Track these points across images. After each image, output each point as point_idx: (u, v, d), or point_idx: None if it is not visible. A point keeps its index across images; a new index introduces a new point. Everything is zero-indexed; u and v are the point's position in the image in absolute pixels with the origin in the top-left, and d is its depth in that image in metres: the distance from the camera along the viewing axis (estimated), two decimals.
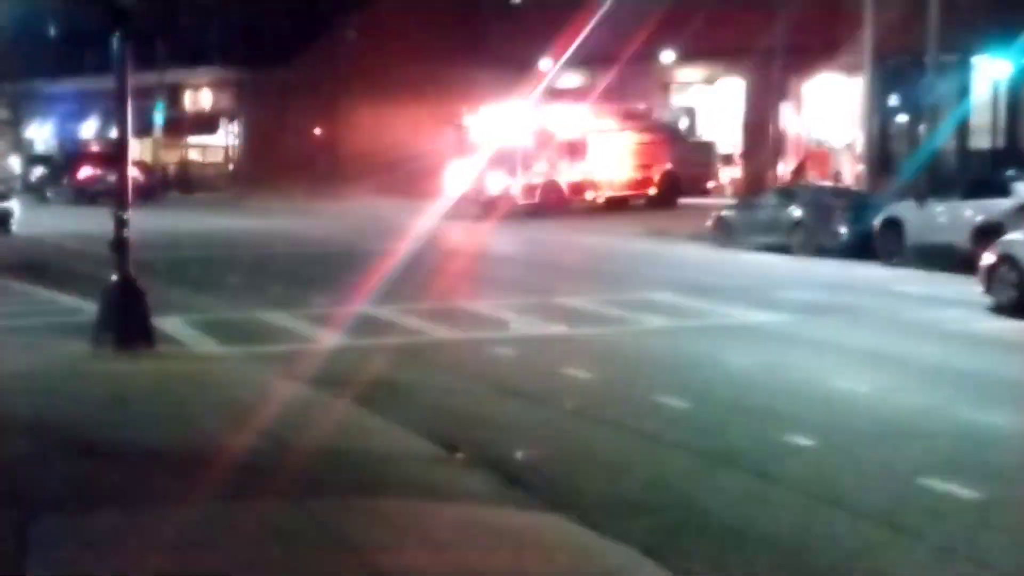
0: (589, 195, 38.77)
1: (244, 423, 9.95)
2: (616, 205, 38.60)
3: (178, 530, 7.03)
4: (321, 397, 11.44)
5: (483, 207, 35.28)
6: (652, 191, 39.89)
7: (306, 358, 13.34)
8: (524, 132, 37.47)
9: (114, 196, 13.53)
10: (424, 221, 29.37)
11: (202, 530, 7.11)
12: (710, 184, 42.83)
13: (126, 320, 12.71)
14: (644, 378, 12.69)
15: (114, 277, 12.96)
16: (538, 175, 37.40)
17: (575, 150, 38.59)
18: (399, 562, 6.81)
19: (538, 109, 38.98)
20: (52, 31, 64.13)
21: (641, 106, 42.30)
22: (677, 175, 40.46)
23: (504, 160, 36.64)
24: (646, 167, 39.80)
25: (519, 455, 9.70)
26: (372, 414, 10.81)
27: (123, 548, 6.82)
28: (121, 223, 12.97)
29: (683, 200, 39.50)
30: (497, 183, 36.55)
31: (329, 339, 14.78)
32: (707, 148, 43.98)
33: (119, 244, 12.97)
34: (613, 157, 39.04)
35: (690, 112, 46.51)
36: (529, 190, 37.04)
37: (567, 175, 38.21)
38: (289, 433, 9.74)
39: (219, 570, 6.57)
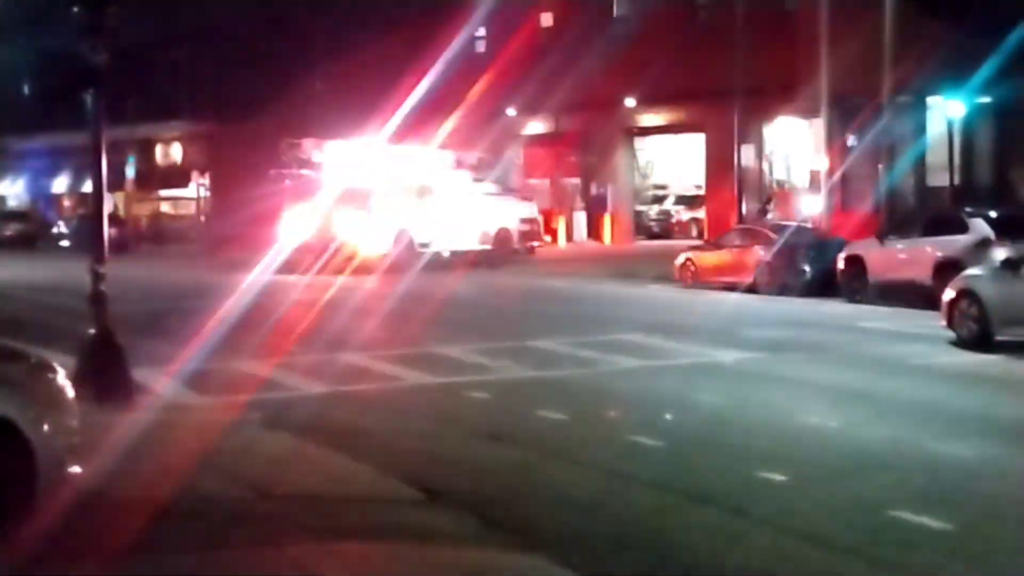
0: (434, 247, 35.90)
1: (222, 471, 10.10)
2: (460, 260, 36.20)
3: None
4: (299, 443, 11.58)
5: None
6: (487, 246, 37.91)
7: (284, 407, 13.48)
8: (371, 173, 35.01)
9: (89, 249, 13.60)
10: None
11: None
12: (536, 243, 40.97)
13: (105, 374, 12.79)
14: (618, 418, 12.89)
15: (91, 331, 13.05)
16: (387, 222, 34.56)
17: (423, 196, 36.23)
18: None
19: (384, 149, 36.60)
20: (25, 88, 64.46)
21: (476, 155, 40.26)
22: (509, 232, 38.97)
23: (351, 202, 33.91)
24: (482, 221, 37.80)
25: (495, 497, 9.85)
26: (351, 459, 10.95)
27: None
28: (97, 276, 13.09)
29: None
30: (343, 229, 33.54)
31: (308, 386, 14.90)
32: (532, 206, 41.79)
33: (96, 297, 13.08)
34: (456, 208, 36.78)
35: (514, 163, 44.46)
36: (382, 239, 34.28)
37: (417, 224, 35.47)
38: (267, 479, 9.88)
39: None
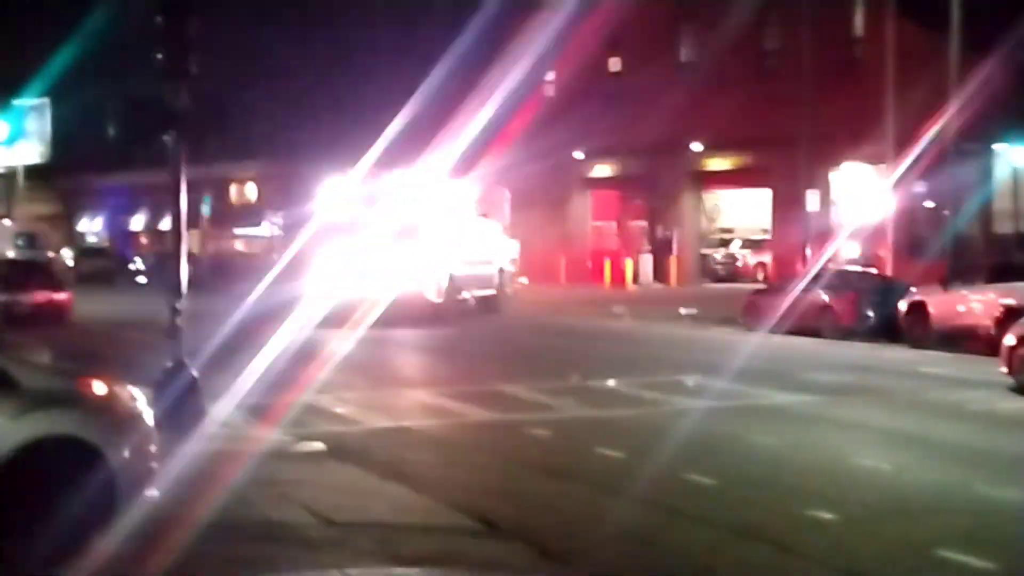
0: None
1: (289, 499, 10.58)
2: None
3: None
4: (362, 475, 12.01)
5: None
6: (492, 290, 33.77)
7: (350, 440, 13.93)
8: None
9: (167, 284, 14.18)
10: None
11: None
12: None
13: (179, 404, 13.30)
14: (676, 457, 13.17)
15: (168, 363, 13.60)
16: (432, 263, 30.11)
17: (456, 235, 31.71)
18: None
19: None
20: (109, 130, 66.36)
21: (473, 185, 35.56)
22: (505, 273, 34.93)
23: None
24: (492, 261, 33.81)
25: (551, 529, 10.18)
26: (411, 491, 11.36)
27: None
28: (175, 311, 13.66)
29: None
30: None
31: (373, 421, 15.36)
32: (516, 243, 36.95)
33: (173, 331, 13.64)
34: (475, 247, 32.70)
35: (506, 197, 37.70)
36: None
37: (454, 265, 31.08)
38: (331, 508, 10.32)
39: None
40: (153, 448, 9.05)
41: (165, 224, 68.15)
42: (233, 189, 61.73)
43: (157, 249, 64.89)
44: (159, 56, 13.73)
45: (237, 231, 60.47)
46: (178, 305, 13.76)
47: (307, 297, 25.99)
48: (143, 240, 67.50)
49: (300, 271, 28.89)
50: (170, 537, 8.66)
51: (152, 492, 8.99)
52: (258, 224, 57.44)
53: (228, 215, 59.72)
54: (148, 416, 9.14)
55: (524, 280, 41.33)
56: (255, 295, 24.33)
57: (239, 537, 9.14)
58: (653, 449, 13.70)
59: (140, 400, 9.18)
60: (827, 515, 10.34)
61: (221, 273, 53.66)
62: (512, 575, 8.84)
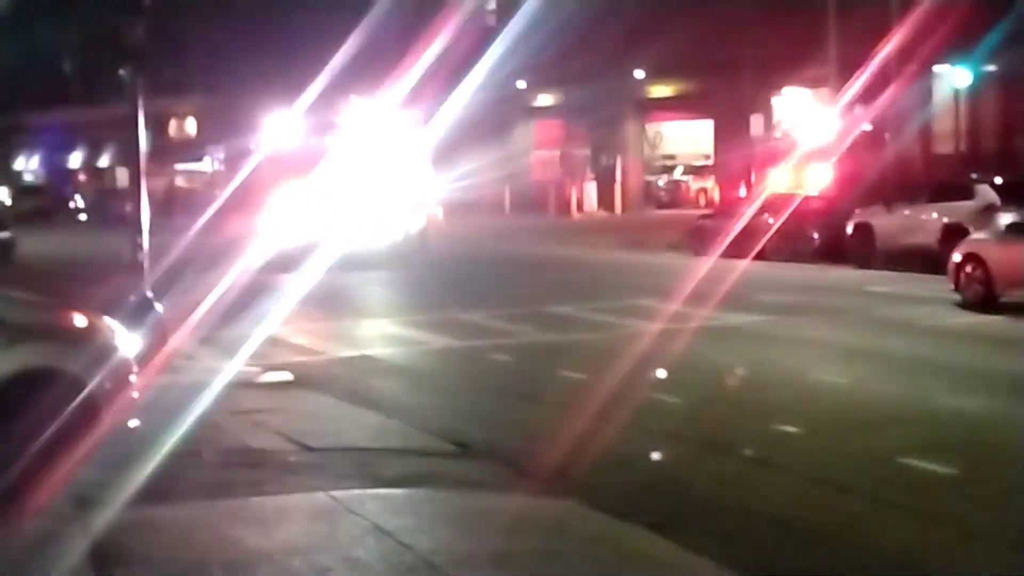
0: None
1: (264, 427, 10.72)
2: None
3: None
4: (333, 403, 12.16)
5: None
6: None
7: (314, 369, 14.06)
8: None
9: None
10: None
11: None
12: None
13: (144, 338, 13.32)
14: (638, 378, 13.42)
15: (132, 298, 13.61)
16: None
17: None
18: (431, 544, 7.47)
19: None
20: (65, 66, 65.01)
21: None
22: None
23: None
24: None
25: (523, 448, 10.39)
26: (384, 417, 11.53)
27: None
28: (137, 247, 13.65)
29: None
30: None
31: (337, 351, 15.49)
32: None
33: (136, 266, 13.63)
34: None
35: None
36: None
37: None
38: (307, 435, 10.46)
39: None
40: (133, 379, 9.12)
41: (103, 161, 67.73)
42: (173, 124, 60.95)
43: (96, 186, 64.24)
44: None
45: (178, 166, 59.84)
46: (140, 240, 13.75)
47: (258, 236, 24.48)
48: (81, 177, 66.64)
49: (249, 207, 27.50)
50: (152, 464, 8.77)
51: (133, 421, 9.07)
52: (199, 159, 56.92)
53: (168, 150, 59.00)
54: (127, 348, 9.19)
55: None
56: (199, 230, 24.02)
57: (220, 464, 9.27)
58: (615, 371, 13.91)
59: (119, 332, 9.22)
60: (792, 428, 10.65)
61: (163, 210, 53.14)
62: (492, 493, 9.04)
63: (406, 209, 29.49)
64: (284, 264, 23.22)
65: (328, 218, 26.63)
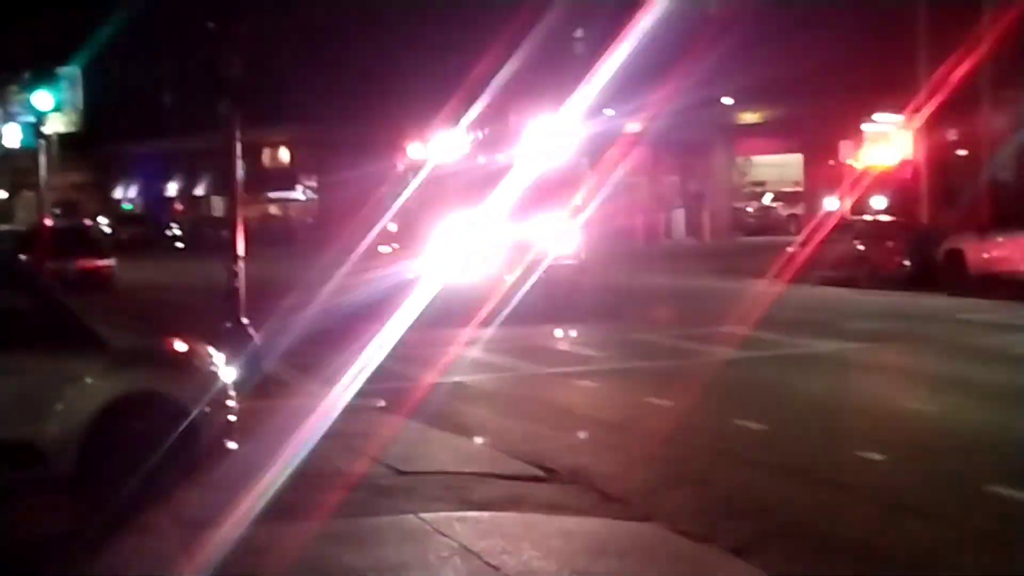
0: None
1: (358, 451, 11.02)
2: None
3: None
4: (423, 427, 12.43)
5: None
6: None
7: (406, 394, 14.35)
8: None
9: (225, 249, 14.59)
10: None
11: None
12: None
13: (240, 364, 13.73)
14: (723, 404, 13.53)
15: (227, 324, 14.04)
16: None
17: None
18: (517, 565, 7.69)
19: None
20: (165, 98, 66.60)
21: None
22: None
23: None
24: None
25: (609, 473, 10.56)
26: (477, 441, 11.80)
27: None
28: (233, 274, 14.09)
29: None
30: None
31: (427, 377, 15.79)
32: None
33: (231, 294, 14.07)
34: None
35: None
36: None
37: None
38: (400, 459, 10.74)
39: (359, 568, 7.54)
40: (231, 402, 9.49)
41: (199, 190, 69.19)
42: (266, 154, 62.16)
43: (192, 214, 65.68)
44: (211, 24, 14.10)
45: (271, 195, 60.95)
46: (235, 268, 14.18)
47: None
48: (178, 206, 68.25)
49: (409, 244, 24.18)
50: (251, 486, 9.10)
51: (231, 444, 9.44)
52: (292, 188, 57.92)
53: (262, 179, 60.19)
54: (225, 372, 9.57)
55: None
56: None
57: (316, 486, 9.57)
58: (701, 397, 14.07)
59: (217, 357, 9.61)
60: (876, 455, 10.67)
61: (257, 238, 54.12)
62: (576, 516, 9.23)
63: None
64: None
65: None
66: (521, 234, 23.32)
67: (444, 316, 19.79)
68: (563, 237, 23.93)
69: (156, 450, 8.78)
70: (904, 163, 37.63)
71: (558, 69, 41.92)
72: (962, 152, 35.69)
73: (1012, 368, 15.35)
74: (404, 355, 17.43)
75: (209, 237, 49.15)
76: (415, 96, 35.21)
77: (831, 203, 34.29)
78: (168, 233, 61.26)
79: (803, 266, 28.98)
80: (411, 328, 19.53)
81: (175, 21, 36.89)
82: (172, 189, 68.99)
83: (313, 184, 55.16)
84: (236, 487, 8.97)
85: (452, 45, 40.62)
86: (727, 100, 45.99)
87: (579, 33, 49.59)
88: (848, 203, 37.25)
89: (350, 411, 13.24)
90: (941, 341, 18.06)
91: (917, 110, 33.81)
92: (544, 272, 22.69)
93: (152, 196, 70.12)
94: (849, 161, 38.17)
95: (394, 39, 51.69)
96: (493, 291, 21.53)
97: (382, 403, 13.67)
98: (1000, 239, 24.73)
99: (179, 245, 57.69)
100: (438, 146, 27.69)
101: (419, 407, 13.44)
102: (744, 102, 45.64)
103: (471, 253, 23.03)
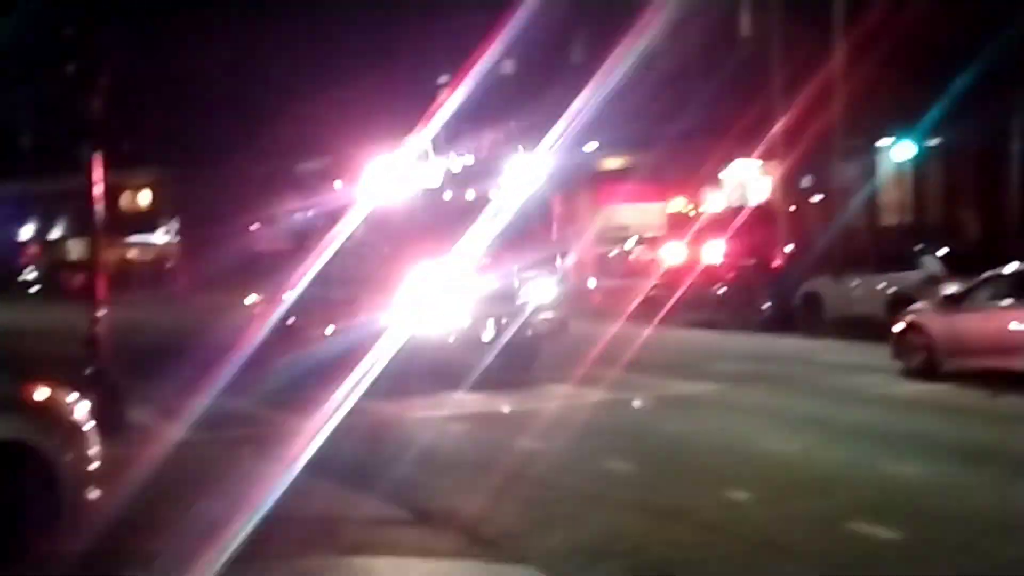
0: None
1: (225, 496, 10.80)
2: None
3: None
4: (293, 473, 12.25)
5: None
6: None
7: (273, 439, 14.13)
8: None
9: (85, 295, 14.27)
10: None
11: None
12: None
13: (101, 410, 13.40)
14: (594, 446, 13.64)
15: (89, 370, 13.70)
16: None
17: None
18: None
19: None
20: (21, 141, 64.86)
21: None
22: None
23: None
24: None
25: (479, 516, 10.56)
26: (345, 487, 11.66)
27: None
28: (93, 321, 13.78)
29: None
30: None
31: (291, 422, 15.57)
32: None
33: (93, 340, 13.74)
34: None
35: None
36: None
37: None
38: (271, 505, 10.57)
39: None
40: (93, 451, 9.24)
41: (55, 233, 67.48)
42: (125, 196, 61.00)
43: (48, 258, 63.98)
44: (70, 67, 13.84)
45: (131, 239, 59.76)
46: (96, 314, 13.87)
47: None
48: (32, 250, 66.44)
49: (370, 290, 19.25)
50: (113, 535, 8.87)
51: (94, 493, 9.18)
52: (152, 231, 56.87)
53: (121, 223, 59.02)
54: (88, 420, 9.32)
55: None
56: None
57: (179, 533, 9.36)
58: (570, 439, 14.17)
59: (80, 405, 9.36)
60: (743, 494, 10.89)
61: (117, 282, 52.98)
62: (449, 559, 9.20)
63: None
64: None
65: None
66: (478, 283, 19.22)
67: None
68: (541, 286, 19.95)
69: (17, 501, 8.49)
70: (761, 208, 38.71)
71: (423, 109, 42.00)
72: (817, 198, 36.79)
73: (867, 408, 15.83)
74: (276, 400, 17.22)
75: (65, 281, 47.93)
76: (303, 132, 34.82)
77: (687, 248, 35.01)
78: (21, 278, 59.54)
79: (667, 309, 29.48)
80: (286, 376, 19.38)
81: (32, 61, 35.99)
82: (27, 232, 67.17)
83: (175, 227, 54.30)
84: (98, 537, 8.74)
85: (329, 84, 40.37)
86: (591, 146, 46.64)
87: (442, 79, 49.81)
88: (709, 247, 38.12)
89: (216, 455, 13.03)
90: (800, 382, 18.53)
91: (774, 157, 34.84)
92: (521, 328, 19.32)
93: (4, 240, 68.17)
94: (707, 206, 39.09)
95: (273, 73, 51.03)
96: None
97: (247, 448, 13.46)
98: (854, 282, 25.53)
99: (33, 290, 56.05)
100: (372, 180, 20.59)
101: (289, 450, 13.25)
102: (608, 149, 46.36)
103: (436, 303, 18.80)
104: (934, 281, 23.30)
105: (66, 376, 14.36)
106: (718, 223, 39.03)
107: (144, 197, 60.83)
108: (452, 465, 12.88)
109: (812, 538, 9.60)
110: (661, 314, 29.03)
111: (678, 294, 29.80)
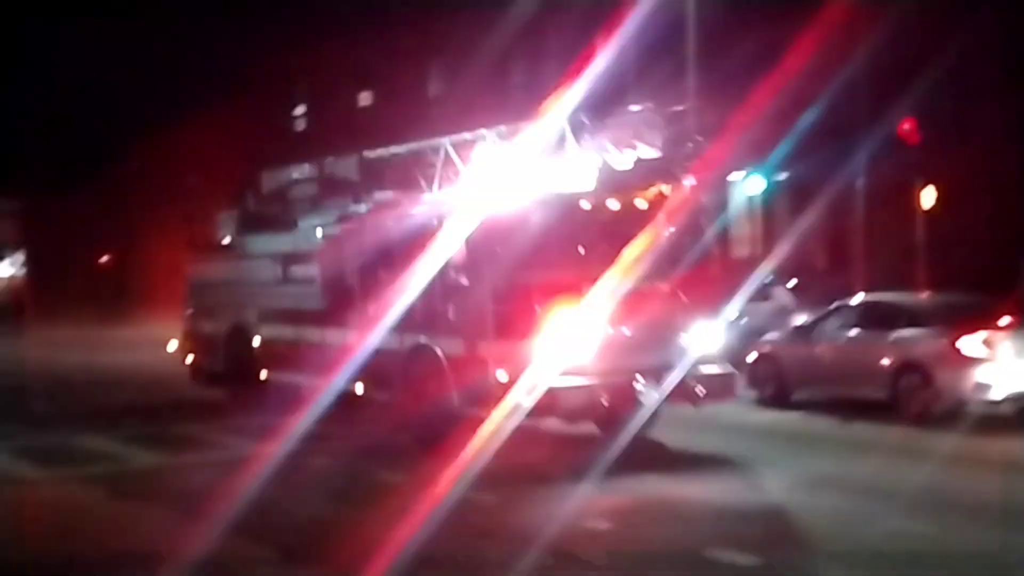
0: None
1: (84, 537, 10.51)
2: None
3: None
4: (139, 508, 11.99)
5: None
6: None
7: (126, 477, 13.80)
8: None
9: None
10: None
11: None
12: None
13: None
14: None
15: None
16: None
17: None
18: None
19: None
20: None
21: None
22: None
23: None
24: None
25: None
26: (196, 523, 11.39)
27: None
28: None
29: None
30: None
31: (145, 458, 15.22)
32: None
33: None
34: None
35: None
36: None
37: None
38: (118, 541, 10.32)
39: None
40: None
41: None
42: None
43: None
44: None
45: None
46: None
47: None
48: None
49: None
50: None
51: None
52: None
53: None
54: None
55: None
56: None
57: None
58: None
59: None
60: (604, 525, 10.97)
61: None
62: None
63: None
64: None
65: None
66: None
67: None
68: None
69: None
70: None
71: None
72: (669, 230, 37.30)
73: (720, 437, 15.95)
74: (153, 437, 16.64)
75: None
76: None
77: None
78: None
79: None
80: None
81: None
82: None
83: (21, 257, 52.46)
84: None
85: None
86: None
87: (301, 110, 49.41)
88: None
89: (67, 498, 12.66)
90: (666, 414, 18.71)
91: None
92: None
93: None
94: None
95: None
96: None
97: (100, 488, 13.10)
98: None
99: None
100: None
101: (149, 490, 12.98)
102: None
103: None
104: (784, 313, 23.88)
105: None
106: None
107: None
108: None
109: (674, 565, 9.75)
110: None
111: None
